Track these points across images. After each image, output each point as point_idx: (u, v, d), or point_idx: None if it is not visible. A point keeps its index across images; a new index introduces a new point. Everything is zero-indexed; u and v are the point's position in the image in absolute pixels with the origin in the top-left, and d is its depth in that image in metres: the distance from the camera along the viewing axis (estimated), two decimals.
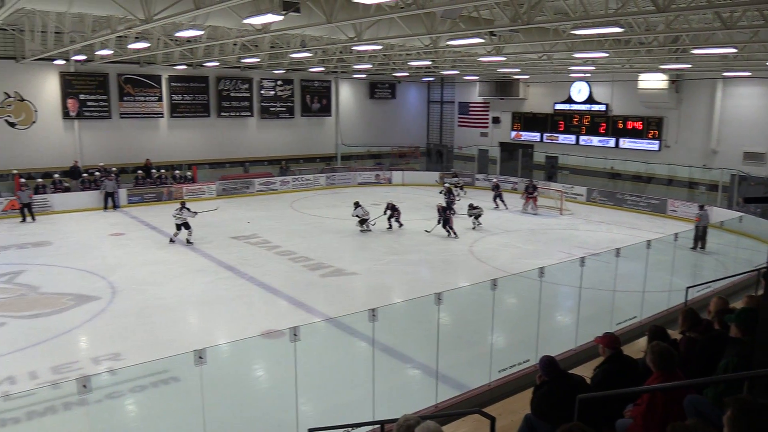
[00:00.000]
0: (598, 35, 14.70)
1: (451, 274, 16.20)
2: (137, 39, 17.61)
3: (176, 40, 19.78)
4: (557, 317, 12.51)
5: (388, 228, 21.05)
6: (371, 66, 26.32)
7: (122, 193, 25.42)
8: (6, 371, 10.10)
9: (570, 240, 20.09)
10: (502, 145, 34.00)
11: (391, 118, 37.32)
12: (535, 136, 32.19)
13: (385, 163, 35.72)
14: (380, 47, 17.94)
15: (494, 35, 14.98)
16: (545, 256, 17.33)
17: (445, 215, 20.19)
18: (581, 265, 9.97)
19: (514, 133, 33.39)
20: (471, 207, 21.73)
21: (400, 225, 21.20)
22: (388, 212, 21.20)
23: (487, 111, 35.23)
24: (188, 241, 18.75)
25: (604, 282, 11.34)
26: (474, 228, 21.23)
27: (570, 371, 6.05)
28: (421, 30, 14.35)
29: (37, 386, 9.51)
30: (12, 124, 25.20)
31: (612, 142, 28.62)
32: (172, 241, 18.83)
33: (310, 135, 34.04)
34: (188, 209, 18.79)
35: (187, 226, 18.70)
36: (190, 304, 13.74)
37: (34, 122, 25.67)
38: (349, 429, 6.90)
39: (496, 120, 34.57)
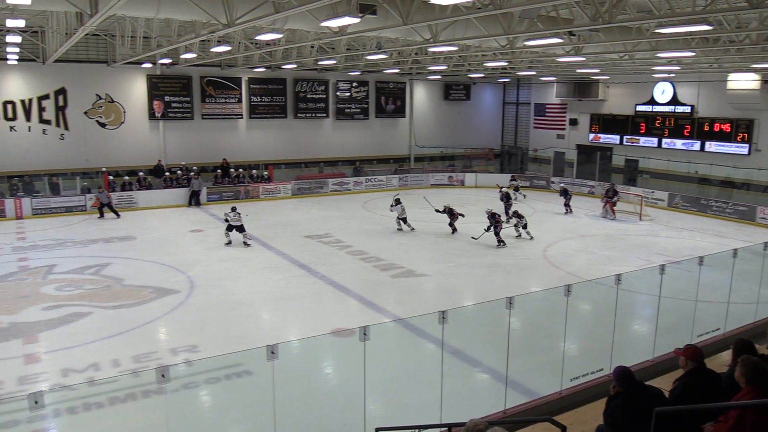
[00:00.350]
0: (685, 34, 14.07)
1: (523, 279, 15.91)
2: (219, 43, 18.20)
3: (256, 44, 20.32)
4: (634, 326, 12.06)
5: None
6: (446, 67, 26.22)
7: (202, 192, 26.34)
8: (91, 358, 10.64)
9: (649, 246, 19.35)
10: (580, 147, 33.13)
11: (466, 120, 37.05)
12: (614, 138, 31.18)
13: (458, 164, 35.49)
14: (456, 48, 17.85)
15: (573, 35, 14.63)
16: (622, 263, 16.76)
17: (495, 221, 19.23)
18: (661, 273, 9.57)
19: (592, 135, 32.46)
20: (517, 215, 20.36)
21: (453, 231, 20.70)
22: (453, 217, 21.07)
23: (564, 112, 34.42)
24: (246, 244, 18.81)
25: (685, 291, 10.85)
26: (518, 236, 20.15)
27: (646, 383, 5.82)
28: (498, 30, 14.17)
29: (119, 374, 9.98)
30: (102, 125, 26.62)
31: (697, 146, 27.35)
32: (228, 243, 18.95)
33: (383, 136, 34.25)
34: (238, 213, 19.20)
35: (241, 228, 18.95)
36: (264, 300, 14.08)
37: (122, 123, 27.01)
38: (417, 430, 6.88)
39: (573, 122, 33.71)
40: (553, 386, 8.32)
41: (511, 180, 29.33)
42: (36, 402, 7.24)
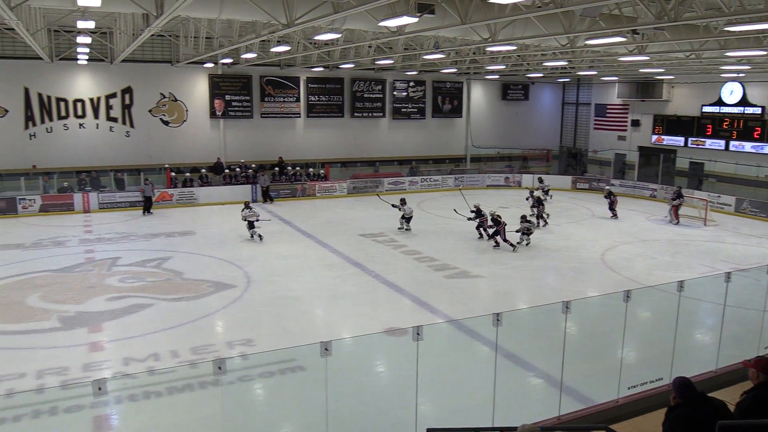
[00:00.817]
0: (756, 32, 13.48)
1: (580, 283, 15.58)
2: (279, 43, 18.49)
3: (314, 44, 20.56)
4: (696, 336, 11.64)
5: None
6: (504, 67, 25.92)
7: (259, 189, 26.82)
8: (151, 348, 10.98)
9: (714, 253, 18.65)
10: (642, 149, 32.20)
11: (524, 120, 36.56)
12: (678, 140, 30.17)
13: (515, 165, 35.04)
14: (515, 48, 17.63)
15: (637, 33, 14.24)
16: (685, 269, 16.22)
17: (499, 227, 18.64)
18: (726, 281, 9.20)
19: (655, 137, 31.49)
20: (523, 219, 19.02)
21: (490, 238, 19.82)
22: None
23: (626, 113, 33.52)
24: (260, 237, 19.24)
25: (752, 301, 10.41)
26: (522, 242, 18.77)
27: (709, 395, 5.60)
28: (559, 29, 13.92)
29: (178, 364, 10.26)
30: (166, 122, 27.47)
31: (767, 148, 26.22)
32: (252, 237, 19.35)
33: (440, 136, 34.14)
34: (252, 209, 19.63)
35: (251, 225, 19.33)
36: (318, 297, 14.23)
37: (184, 121, 27.80)
38: None
39: (635, 123, 32.79)
40: (610, 394, 8.11)
41: (539, 182, 28.72)
42: (99, 388, 7.52)
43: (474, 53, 21.48)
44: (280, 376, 9.83)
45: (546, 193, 27.08)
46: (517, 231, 18.68)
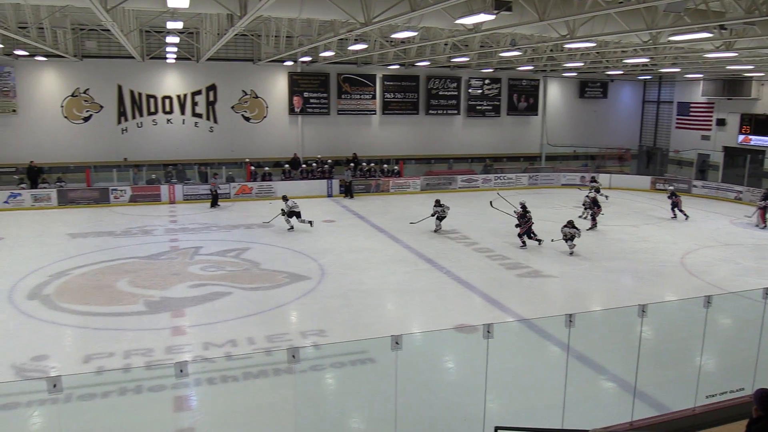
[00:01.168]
0: None
1: (657, 286, 15.11)
2: (356, 41, 18.79)
3: (391, 41, 20.76)
4: None
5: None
6: (583, 64, 25.35)
7: (334, 184, 27.33)
8: (229, 334, 11.47)
9: None
10: (727, 149, 30.75)
11: (602, 118, 35.60)
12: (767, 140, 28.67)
13: (591, 165, 34.18)
14: (594, 44, 17.25)
15: (725, 29, 13.68)
16: None
17: (527, 224, 18.26)
18: None
19: (741, 137, 29.99)
20: (569, 224, 17.73)
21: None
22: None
23: (710, 112, 32.07)
24: (310, 223, 20.29)
25: None
26: (571, 253, 17.58)
27: None
28: (641, 25, 13.54)
29: (254, 351, 10.67)
30: (247, 119, 28.42)
31: None
32: (291, 228, 20.29)
33: (514, 134, 33.74)
34: (294, 201, 20.48)
35: (299, 215, 20.23)
36: (390, 291, 14.43)
37: (265, 117, 28.68)
38: None
39: (720, 122, 31.33)
40: (686, 402, 7.89)
41: (591, 181, 27.85)
42: (181, 370, 7.95)
43: (551, 50, 21.12)
44: (351, 367, 10.07)
45: (598, 192, 26.34)
46: (563, 238, 17.79)
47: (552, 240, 18.27)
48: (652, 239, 19.66)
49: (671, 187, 25.32)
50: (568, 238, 17.70)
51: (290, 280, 14.88)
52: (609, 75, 33.03)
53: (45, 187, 24.56)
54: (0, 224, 20.95)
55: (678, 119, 34.23)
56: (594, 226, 20.90)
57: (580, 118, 35.18)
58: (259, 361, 10.42)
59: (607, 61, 24.07)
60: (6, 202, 23.36)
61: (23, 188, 24.07)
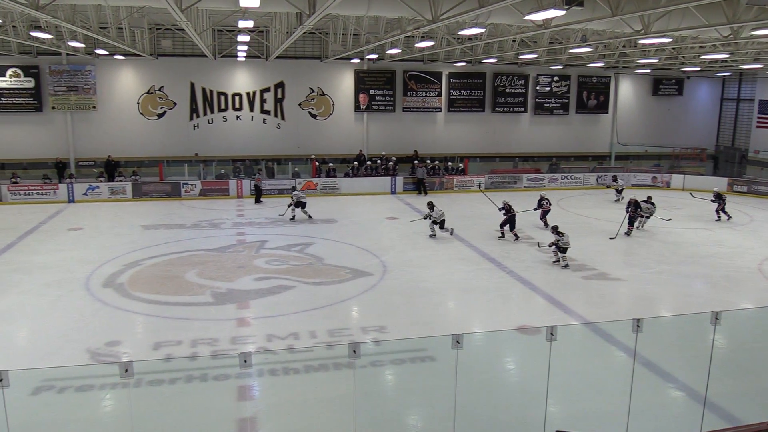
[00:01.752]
0: None
1: (731, 293, 14.43)
2: (423, 38, 18.76)
3: (458, 38, 20.61)
4: None
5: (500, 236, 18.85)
6: (657, 60, 24.48)
7: (398, 181, 27.38)
8: (292, 327, 11.66)
9: None
10: None
11: (676, 117, 34.30)
12: None
13: (664, 165, 32.97)
14: (669, 40, 16.62)
15: None
16: None
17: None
18: None
19: None
20: (555, 230, 15.99)
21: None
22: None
23: None
24: (309, 216, 21.24)
25: None
26: (556, 261, 16.04)
27: None
28: (721, 19, 12.96)
29: (315, 344, 10.81)
30: (313, 116, 28.85)
31: None
32: (293, 216, 21.25)
33: (583, 132, 32.95)
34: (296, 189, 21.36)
35: (304, 205, 21.27)
36: (451, 289, 14.34)
37: (331, 114, 29.03)
38: None
39: None
40: (761, 416, 7.50)
41: (612, 180, 27.09)
42: (245, 361, 8.13)
43: (624, 46, 20.51)
44: (411, 364, 10.07)
45: (619, 193, 25.68)
46: (550, 245, 16.19)
47: (539, 244, 17.79)
48: (727, 244, 18.79)
49: (716, 189, 23.50)
50: (558, 247, 15.78)
51: (352, 276, 15.00)
52: (685, 72, 31.78)
53: (121, 181, 25.66)
54: (79, 215, 22.03)
55: (759, 118, 32.54)
56: (629, 232, 19.48)
57: (653, 116, 34.00)
58: (320, 355, 10.55)
59: (683, 57, 23.15)
60: (85, 194, 24.54)
61: (102, 181, 25.22)
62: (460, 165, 29.43)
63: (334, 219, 21.69)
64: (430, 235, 19.06)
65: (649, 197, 20.73)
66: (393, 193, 26.97)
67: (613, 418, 7.32)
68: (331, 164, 27.94)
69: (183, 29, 18.78)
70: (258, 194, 25.14)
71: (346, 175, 27.53)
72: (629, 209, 19.57)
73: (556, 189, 28.75)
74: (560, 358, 7.01)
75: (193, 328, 11.59)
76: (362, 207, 24.15)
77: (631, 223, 19.53)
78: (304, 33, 17.53)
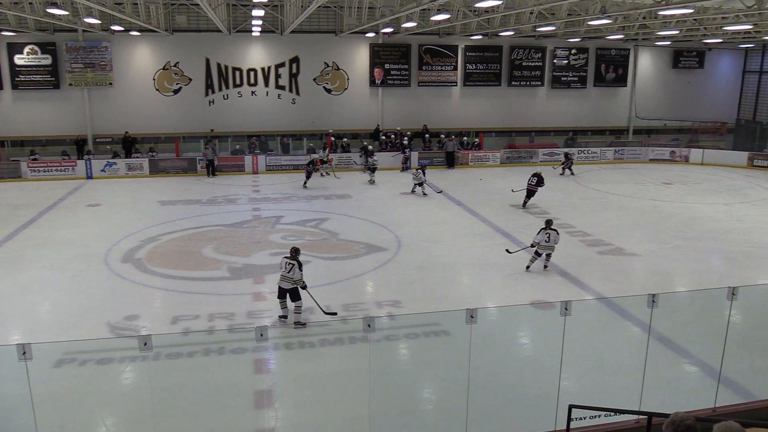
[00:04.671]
0: None
1: (750, 269, 14.30)
2: (439, 11, 18.52)
3: (474, 11, 20.33)
4: None
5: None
6: (678, 32, 23.97)
7: (413, 156, 27.26)
8: (307, 302, 11.72)
9: None
10: None
11: (697, 90, 33.68)
12: None
13: (683, 139, 32.51)
14: (691, 11, 16.30)
15: None
16: None
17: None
18: None
19: None
20: (548, 225, 13.60)
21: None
22: None
23: None
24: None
25: None
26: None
27: None
28: None
29: (330, 319, 10.92)
30: (328, 90, 28.71)
31: None
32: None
33: (601, 106, 32.50)
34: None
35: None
36: (466, 264, 14.37)
37: (346, 89, 28.88)
38: (614, 413, 6.68)
39: None
40: None
41: (565, 158, 26.43)
42: (261, 335, 8.23)
43: (644, 18, 20.11)
44: (425, 338, 10.16)
45: (568, 169, 25.88)
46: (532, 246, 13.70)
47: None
48: (746, 219, 18.59)
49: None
50: (540, 248, 13.53)
51: (367, 251, 15.07)
52: (706, 44, 31.12)
53: (138, 157, 25.83)
54: (97, 191, 22.27)
55: None
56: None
57: (673, 89, 33.43)
58: (335, 329, 10.67)
59: (705, 28, 22.67)
60: (103, 170, 24.76)
61: (116, 159, 25.38)
62: (476, 140, 29.24)
63: (350, 194, 21.72)
64: (369, 181, 21.25)
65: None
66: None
67: (627, 393, 7.34)
68: (345, 139, 27.88)
69: (197, 4, 18.70)
70: (211, 168, 25.16)
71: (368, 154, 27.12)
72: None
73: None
74: (574, 333, 7.01)
75: (210, 303, 11.75)
76: (377, 182, 24.10)
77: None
78: (318, 7, 17.39)
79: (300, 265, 10.62)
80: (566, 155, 26.45)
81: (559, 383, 7.08)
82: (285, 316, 10.81)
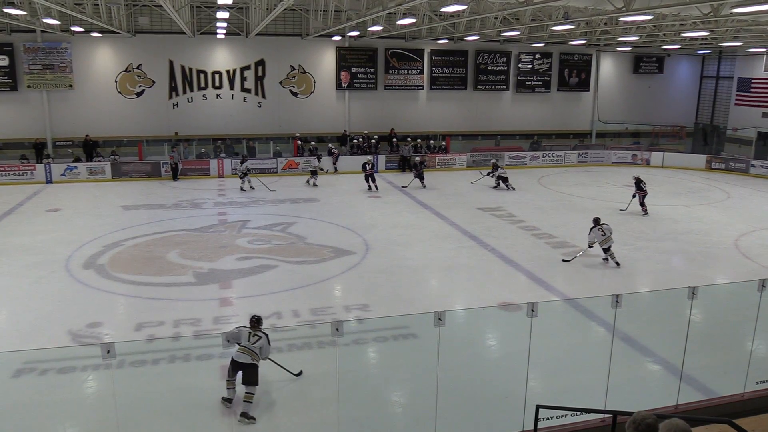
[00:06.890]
0: None
1: (708, 268, 14.69)
2: (405, 15, 18.60)
3: (440, 15, 20.46)
4: None
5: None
6: (638, 38, 24.56)
7: (381, 160, 27.28)
8: (275, 307, 11.67)
9: None
10: None
11: (656, 95, 34.48)
12: None
13: (644, 142, 33.24)
14: (651, 17, 16.65)
15: None
16: None
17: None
18: None
19: None
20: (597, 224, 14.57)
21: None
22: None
23: None
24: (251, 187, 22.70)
25: None
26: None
27: None
28: None
29: (299, 323, 10.85)
30: (294, 94, 28.58)
31: None
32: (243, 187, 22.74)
33: (565, 110, 33.03)
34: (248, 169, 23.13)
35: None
36: (433, 267, 14.43)
37: (312, 92, 28.78)
38: (579, 413, 6.78)
39: None
40: (735, 388, 7.70)
41: (493, 169, 24.27)
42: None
43: (605, 24, 20.51)
44: (393, 341, 10.16)
45: (503, 182, 23.58)
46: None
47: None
48: (705, 220, 19.08)
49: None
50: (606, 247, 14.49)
51: (335, 255, 15.02)
52: (665, 49, 31.89)
53: (99, 161, 25.32)
54: (58, 196, 21.75)
55: (738, 95, 32.84)
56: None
57: (634, 94, 34.17)
58: (303, 334, 10.61)
59: (664, 34, 23.25)
60: (63, 174, 24.19)
61: (76, 164, 24.84)
62: (442, 143, 29.42)
63: (317, 198, 21.64)
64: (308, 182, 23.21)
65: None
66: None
67: (593, 392, 7.45)
68: (313, 143, 27.77)
69: (160, 5, 18.43)
70: (174, 172, 25.00)
71: (334, 157, 27.04)
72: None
73: (537, 167, 28.90)
74: (541, 334, 7.10)
75: (175, 309, 11.56)
76: (346, 186, 24.08)
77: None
78: (284, 10, 17.30)
79: (267, 337, 8.36)
80: (494, 165, 24.31)
81: (527, 384, 7.15)
82: (230, 399, 8.09)
